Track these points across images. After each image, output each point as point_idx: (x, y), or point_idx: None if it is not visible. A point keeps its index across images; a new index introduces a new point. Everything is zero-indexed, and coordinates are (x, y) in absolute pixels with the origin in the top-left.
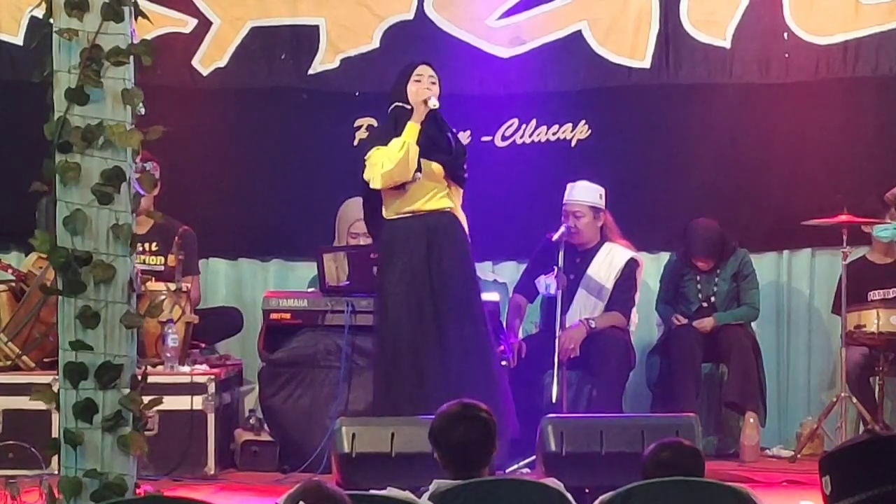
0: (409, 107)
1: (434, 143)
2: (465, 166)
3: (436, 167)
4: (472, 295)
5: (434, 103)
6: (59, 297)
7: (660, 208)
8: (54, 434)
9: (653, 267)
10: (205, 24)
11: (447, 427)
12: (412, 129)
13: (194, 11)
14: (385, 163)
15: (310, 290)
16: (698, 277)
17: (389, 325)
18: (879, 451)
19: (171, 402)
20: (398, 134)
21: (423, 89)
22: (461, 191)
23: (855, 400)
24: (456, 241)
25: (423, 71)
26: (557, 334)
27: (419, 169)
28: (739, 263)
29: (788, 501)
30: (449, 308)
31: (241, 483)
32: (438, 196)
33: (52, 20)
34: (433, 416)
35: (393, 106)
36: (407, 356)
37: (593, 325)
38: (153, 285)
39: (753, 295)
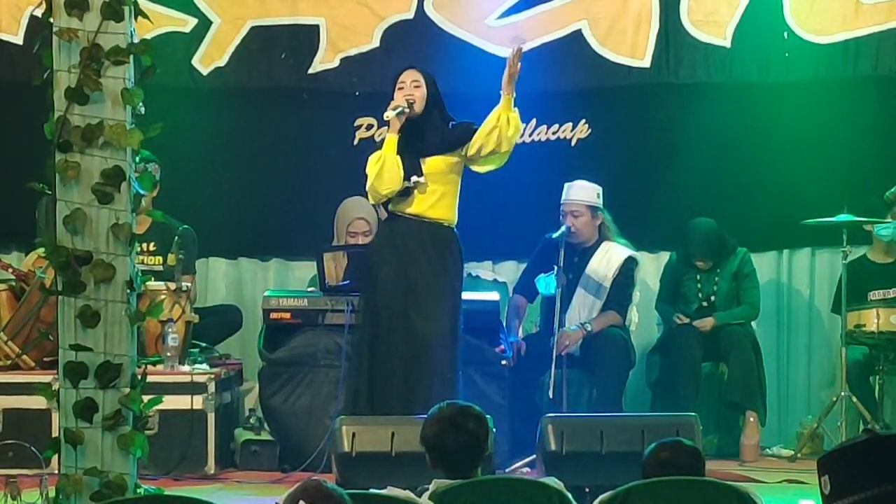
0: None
1: (432, 143)
2: (468, 128)
3: (440, 162)
4: (444, 309)
5: (389, 114)
6: (59, 297)
7: (660, 207)
8: (54, 433)
9: (652, 266)
10: (205, 24)
11: (438, 433)
12: (389, 142)
13: (194, 11)
14: (369, 177)
15: (310, 289)
16: (698, 277)
17: (370, 320)
18: (878, 451)
19: (171, 402)
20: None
21: (403, 96)
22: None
23: (855, 399)
24: (443, 257)
25: (406, 77)
26: (556, 333)
27: (420, 174)
28: (739, 262)
29: (788, 501)
30: (419, 314)
31: (241, 482)
32: (444, 200)
33: (52, 20)
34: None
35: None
36: (381, 353)
37: (589, 329)
38: (153, 285)
39: (753, 294)
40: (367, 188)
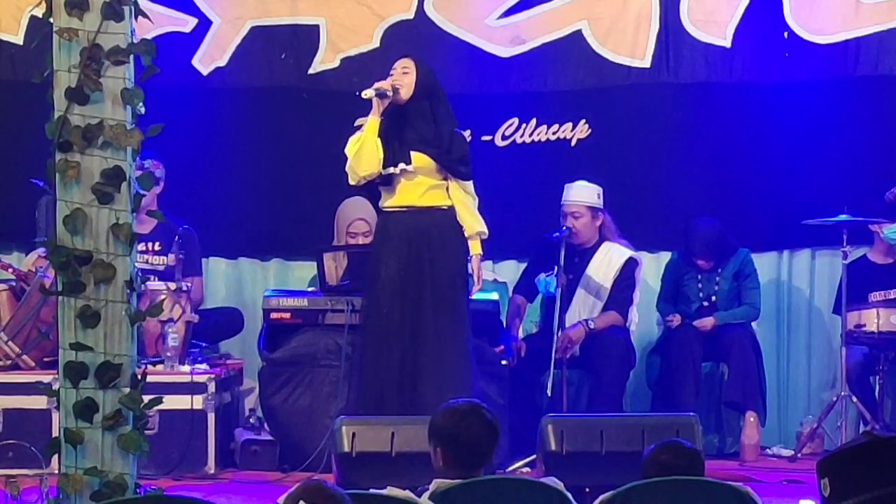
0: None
1: (421, 135)
2: (463, 159)
3: (426, 160)
4: (456, 296)
5: (368, 93)
6: (59, 297)
7: (660, 207)
8: (54, 433)
9: (653, 266)
10: (205, 24)
11: (457, 424)
12: (370, 124)
13: (194, 11)
14: (348, 157)
15: (310, 289)
16: (699, 276)
17: (374, 320)
18: (879, 453)
19: (171, 402)
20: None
21: (390, 82)
22: (467, 184)
23: (855, 399)
24: (446, 241)
25: (397, 64)
26: (556, 333)
27: (408, 161)
28: (741, 263)
29: (788, 501)
30: (431, 307)
31: (241, 482)
32: (433, 191)
33: (52, 20)
34: (432, 414)
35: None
36: (389, 353)
37: (592, 326)
38: (153, 285)
39: (754, 295)
40: (346, 168)
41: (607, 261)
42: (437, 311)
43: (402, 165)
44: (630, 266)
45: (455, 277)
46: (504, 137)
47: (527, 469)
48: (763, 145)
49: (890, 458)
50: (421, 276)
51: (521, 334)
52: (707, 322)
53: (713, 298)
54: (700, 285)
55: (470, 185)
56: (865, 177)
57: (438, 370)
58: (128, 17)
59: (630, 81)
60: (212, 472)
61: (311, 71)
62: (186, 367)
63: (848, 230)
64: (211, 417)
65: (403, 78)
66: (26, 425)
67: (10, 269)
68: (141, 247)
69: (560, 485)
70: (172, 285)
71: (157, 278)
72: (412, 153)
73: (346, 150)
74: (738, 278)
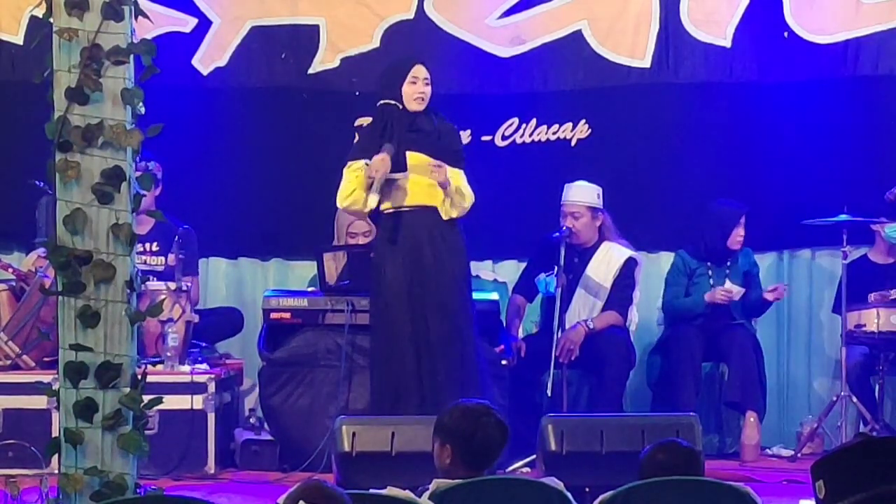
0: (401, 106)
1: (423, 133)
2: (455, 146)
3: (422, 157)
4: (459, 295)
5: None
6: (59, 297)
7: (660, 208)
8: (54, 433)
9: (653, 266)
10: (205, 24)
11: (472, 424)
12: (371, 201)
13: (194, 11)
14: (343, 197)
15: (310, 289)
16: (710, 273)
17: (384, 323)
18: (873, 454)
19: (171, 402)
20: (385, 137)
21: (414, 100)
22: (460, 172)
23: (855, 399)
24: (448, 241)
25: (419, 73)
26: (556, 333)
27: (405, 167)
28: (749, 262)
29: (788, 501)
30: (435, 309)
31: (241, 482)
32: (433, 189)
33: (52, 20)
34: (436, 414)
35: (383, 102)
36: (404, 354)
37: (591, 326)
38: (153, 285)
39: (759, 291)
40: (339, 199)
41: (607, 261)
42: (441, 314)
43: (399, 175)
44: (630, 266)
45: (458, 280)
46: (504, 137)
47: (527, 469)
48: (763, 145)
49: (883, 458)
50: (425, 278)
51: (521, 334)
52: (737, 291)
53: None
54: (711, 281)
55: (461, 175)
56: (865, 177)
57: (449, 373)
58: (128, 17)
59: (630, 81)
60: (212, 472)
61: (311, 71)
62: (186, 367)
63: (848, 230)
64: (211, 417)
65: (426, 89)
66: (26, 425)
67: (10, 269)
68: (138, 248)
69: (560, 485)
70: (172, 285)
71: (155, 279)
72: (408, 153)
73: (346, 184)
74: (747, 276)
